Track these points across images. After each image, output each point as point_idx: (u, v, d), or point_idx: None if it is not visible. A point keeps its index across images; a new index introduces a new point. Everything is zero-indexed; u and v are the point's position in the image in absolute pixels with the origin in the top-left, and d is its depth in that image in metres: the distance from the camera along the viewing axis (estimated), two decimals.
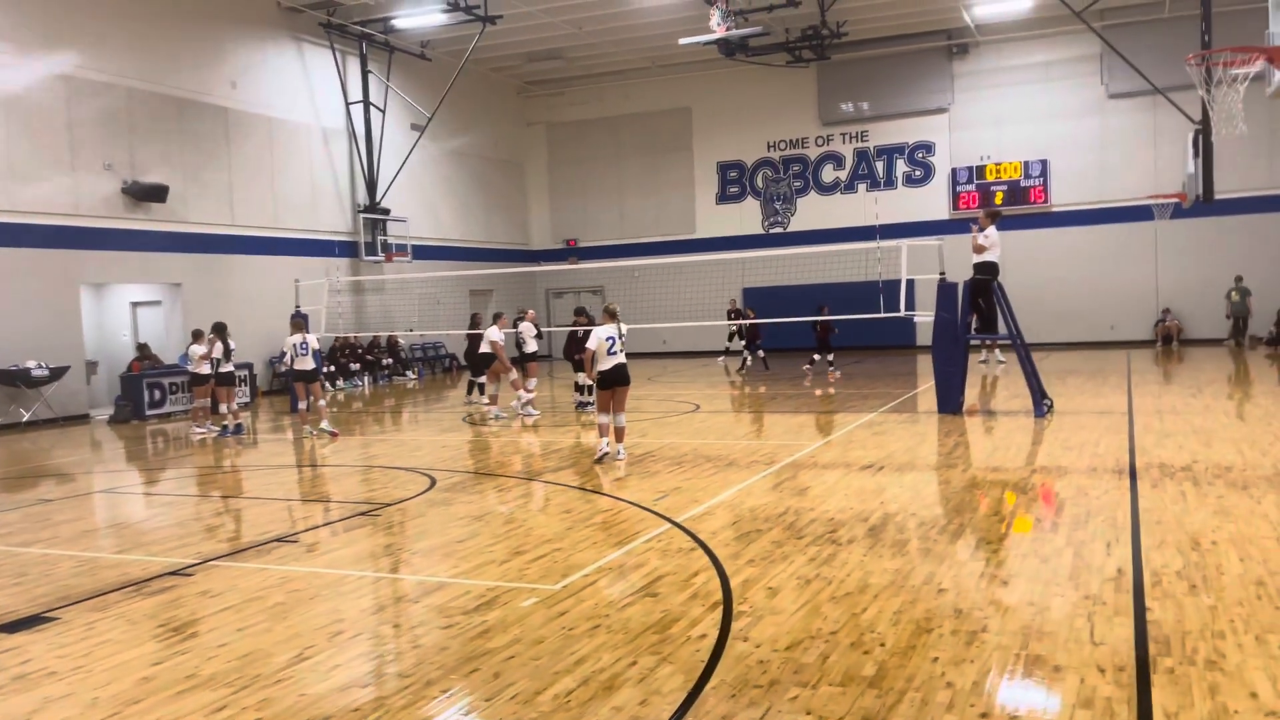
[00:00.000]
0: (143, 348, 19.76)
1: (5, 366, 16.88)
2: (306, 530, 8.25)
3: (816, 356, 21.26)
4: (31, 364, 17.05)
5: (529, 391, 15.58)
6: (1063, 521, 7.18)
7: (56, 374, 17.51)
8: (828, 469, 9.78)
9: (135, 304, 21.63)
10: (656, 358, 28.26)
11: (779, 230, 29.94)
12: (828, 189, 29.52)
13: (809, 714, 3.98)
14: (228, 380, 15.32)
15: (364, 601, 6.14)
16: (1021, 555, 6.32)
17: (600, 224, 31.99)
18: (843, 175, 29.37)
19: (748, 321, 21.86)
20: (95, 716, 4.31)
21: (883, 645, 4.73)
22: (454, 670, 4.69)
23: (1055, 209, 26.98)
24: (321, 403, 14.58)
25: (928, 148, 28.38)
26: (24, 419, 17.08)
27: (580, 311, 16.31)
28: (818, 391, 17.97)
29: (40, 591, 6.57)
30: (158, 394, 18.51)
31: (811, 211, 29.53)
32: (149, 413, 18.22)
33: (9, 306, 16.90)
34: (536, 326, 16.41)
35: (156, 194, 19.48)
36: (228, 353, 15.21)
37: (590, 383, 16.12)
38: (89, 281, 19.27)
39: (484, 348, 15.62)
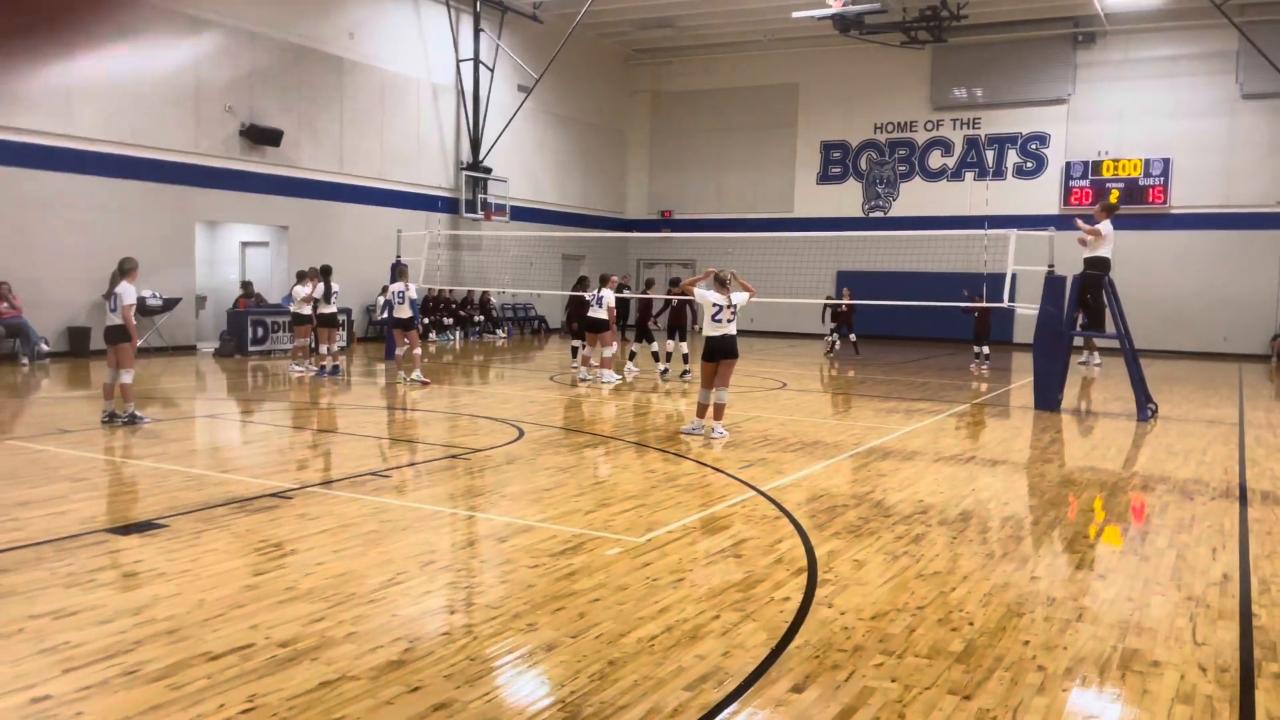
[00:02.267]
0: (246, 285, 20.47)
1: None
2: (398, 468, 8.47)
3: (978, 349, 20.13)
4: (147, 293, 17.78)
5: (608, 356, 15.57)
6: (1165, 524, 6.93)
7: (169, 305, 18.28)
8: (917, 455, 9.62)
9: (244, 244, 22.40)
10: (743, 335, 28.07)
11: (879, 214, 29.40)
12: (933, 175, 28.84)
13: (894, 681, 3.94)
14: (329, 322, 15.76)
15: (453, 536, 6.29)
16: (1120, 552, 6.14)
17: (697, 197, 31.86)
18: (950, 162, 28.65)
19: (847, 301, 21.47)
20: (201, 616, 4.52)
21: (971, 624, 4.65)
22: (540, 606, 4.77)
23: (1174, 210, 25.87)
24: (417, 351, 14.88)
25: (1042, 139, 27.47)
26: (137, 345, 17.84)
27: (676, 282, 16.27)
28: (982, 386, 16.75)
29: (151, 501, 6.90)
30: (260, 331, 19.16)
31: (914, 197, 28.91)
32: (251, 349, 18.89)
33: (130, 237, 17.63)
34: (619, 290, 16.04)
35: (272, 138, 20.08)
36: (329, 295, 15.63)
37: (662, 349, 16.10)
38: (203, 219, 20.00)
39: (599, 313, 15.02)
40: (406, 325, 14.91)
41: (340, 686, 3.77)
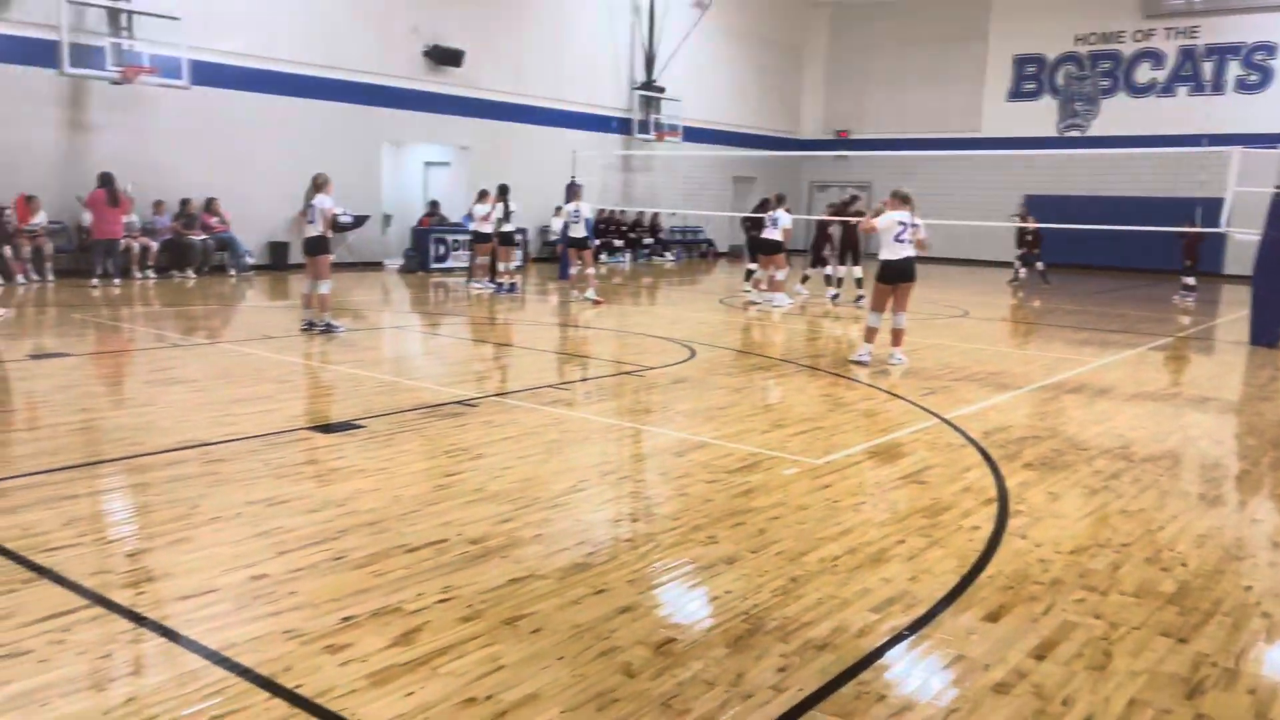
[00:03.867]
0: (433, 204, 21.19)
1: None
2: (574, 381, 8.63)
3: (1190, 280, 18.35)
4: (339, 210, 18.64)
5: (778, 279, 15.21)
6: None
7: (359, 221, 19.09)
8: (1114, 389, 9.00)
9: (427, 163, 23.13)
10: (919, 261, 26.95)
11: (1076, 133, 27.36)
12: (1140, 91, 26.52)
13: (1098, 618, 3.71)
14: (507, 241, 16.12)
15: (630, 449, 6.35)
16: None
17: (876, 115, 30.52)
18: (1160, 76, 26.23)
19: (1033, 225, 20.20)
20: (399, 510, 4.75)
21: (1184, 565, 4.32)
22: (719, 521, 4.76)
23: None
24: (590, 270, 15.05)
25: (1269, 49, 24.71)
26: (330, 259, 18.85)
27: (852, 200, 15.73)
28: (1186, 319, 15.38)
29: (348, 403, 7.30)
30: (442, 249, 19.85)
31: (1117, 115, 26.70)
32: (433, 266, 19.62)
33: (323, 156, 18.45)
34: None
35: (453, 59, 20.48)
36: (508, 214, 15.95)
37: (834, 273, 15.59)
38: (390, 139, 20.73)
39: (773, 234, 14.76)
40: (581, 245, 15.07)
41: (529, 584, 3.88)
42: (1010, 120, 28.15)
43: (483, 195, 16.21)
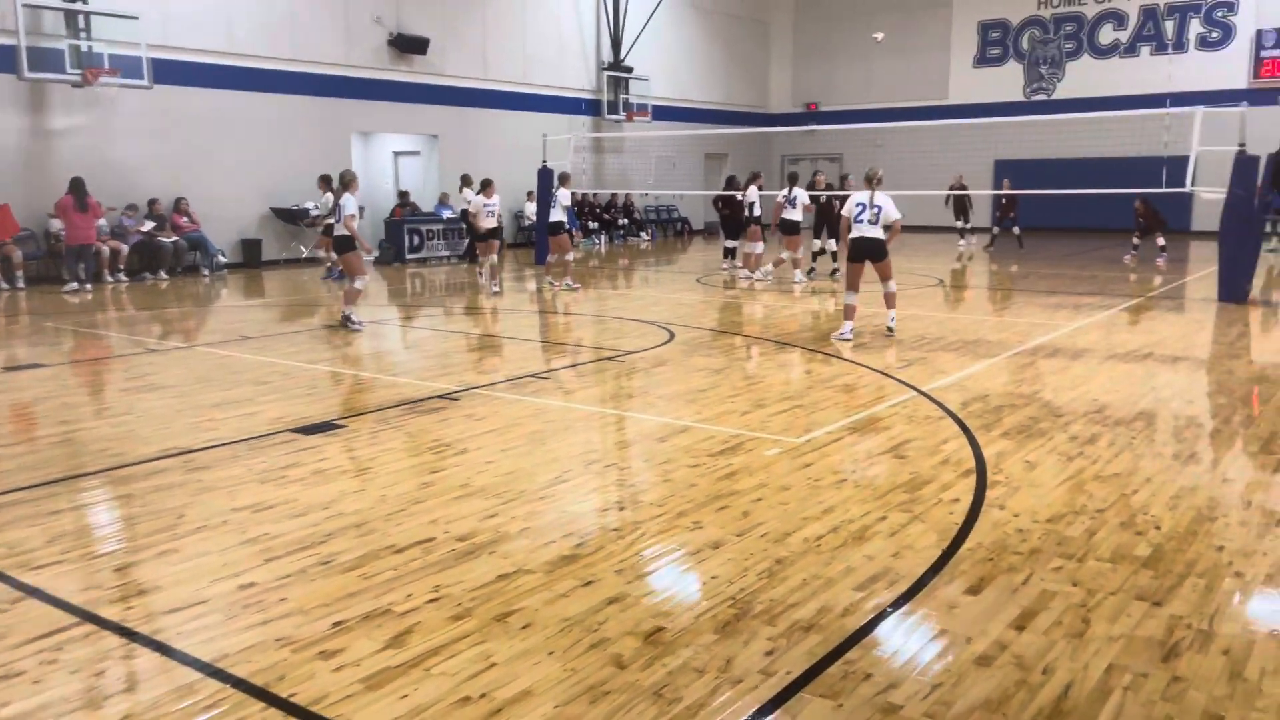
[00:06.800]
0: (403, 195, 21.05)
1: (286, 205, 18.49)
2: (555, 370, 8.65)
3: (1137, 241, 18.87)
4: (309, 204, 18.53)
5: (757, 255, 15.30)
6: None
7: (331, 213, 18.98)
8: (1088, 352, 9.13)
9: (397, 153, 22.96)
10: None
11: (1042, 97, 27.49)
12: (1104, 52, 26.65)
13: (1076, 585, 3.80)
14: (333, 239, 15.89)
15: (613, 436, 6.40)
16: None
17: (844, 87, 30.52)
18: (1123, 37, 26.37)
19: (1007, 192, 20.32)
20: (385, 510, 4.77)
21: (1158, 528, 4.42)
22: (704, 505, 4.81)
23: None
24: (569, 257, 14.99)
25: (1229, 5, 24.88)
26: (303, 255, 18.75)
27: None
28: (1156, 279, 15.77)
29: (329, 402, 7.29)
30: (416, 239, 19.75)
31: (1082, 77, 26.83)
32: (409, 257, 19.53)
33: (290, 150, 18.36)
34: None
35: (418, 46, 20.31)
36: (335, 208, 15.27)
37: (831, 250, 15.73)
38: (357, 129, 20.56)
39: (794, 214, 14.83)
40: (556, 230, 15.00)
41: (517, 579, 3.92)
42: (977, 87, 28.24)
43: (485, 186, 15.20)
